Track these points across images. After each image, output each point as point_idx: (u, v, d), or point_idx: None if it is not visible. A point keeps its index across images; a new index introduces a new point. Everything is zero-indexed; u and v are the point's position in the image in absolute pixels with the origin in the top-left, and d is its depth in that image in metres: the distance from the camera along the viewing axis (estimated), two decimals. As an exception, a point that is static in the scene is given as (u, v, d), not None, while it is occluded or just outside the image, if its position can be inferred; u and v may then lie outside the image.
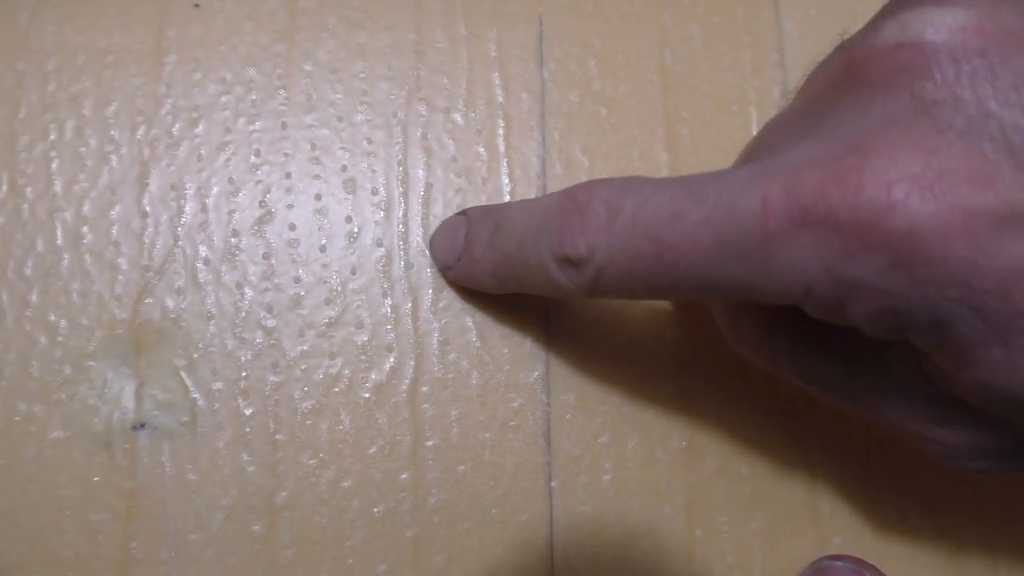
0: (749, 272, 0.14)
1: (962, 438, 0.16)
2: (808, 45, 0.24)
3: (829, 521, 0.21)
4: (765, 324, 0.17)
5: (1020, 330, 0.13)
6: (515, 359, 0.21)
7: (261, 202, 0.22)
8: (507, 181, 0.22)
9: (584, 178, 0.22)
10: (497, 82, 0.23)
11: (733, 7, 0.24)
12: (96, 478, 0.20)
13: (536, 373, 0.21)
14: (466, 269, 0.20)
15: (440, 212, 0.22)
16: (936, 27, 0.14)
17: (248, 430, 0.21)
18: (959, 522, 0.21)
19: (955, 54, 0.14)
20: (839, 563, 0.20)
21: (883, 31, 0.15)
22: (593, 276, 0.16)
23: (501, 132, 0.23)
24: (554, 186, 0.22)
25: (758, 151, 0.17)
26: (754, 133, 0.23)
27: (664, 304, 0.22)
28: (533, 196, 0.22)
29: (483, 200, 0.22)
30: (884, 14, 0.15)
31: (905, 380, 0.16)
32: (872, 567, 0.20)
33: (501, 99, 0.23)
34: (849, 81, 0.15)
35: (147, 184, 0.22)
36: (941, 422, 0.16)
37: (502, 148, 0.23)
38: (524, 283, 0.18)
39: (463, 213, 0.21)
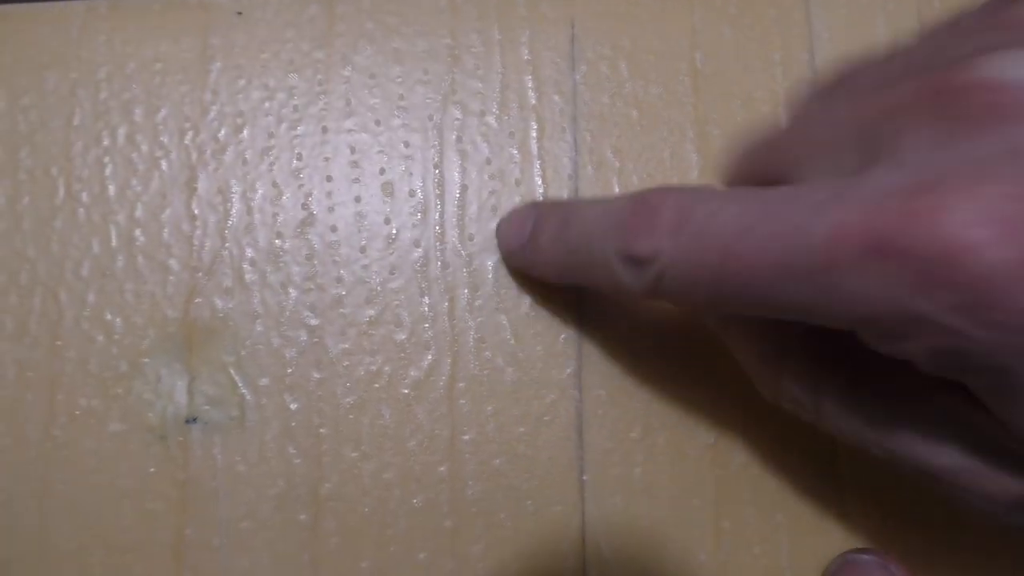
0: (812, 293, 0.14)
1: (1004, 490, 0.16)
2: (838, 45, 0.24)
3: (855, 516, 0.22)
4: (809, 375, 0.17)
5: None
6: (548, 356, 0.22)
7: (304, 205, 0.23)
8: (540, 182, 0.23)
9: (615, 179, 0.23)
10: (530, 85, 0.23)
11: (764, 8, 0.24)
12: (152, 469, 0.21)
13: (569, 370, 0.22)
14: (529, 258, 0.21)
15: (475, 213, 0.23)
16: None
17: (294, 424, 0.22)
18: (985, 522, 0.22)
19: None
20: (866, 556, 0.21)
21: (978, 67, 0.14)
22: (655, 277, 0.16)
23: (534, 134, 0.23)
24: (585, 187, 0.23)
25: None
26: (784, 133, 0.23)
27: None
28: (565, 197, 0.23)
29: (516, 201, 0.23)
30: (974, 50, 0.15)
31: (949, 430, 0.16)
32: (897, 562, 0.21)
33: (534, 101, 0.23)
34: (934, 108, 0.15)
35: (195, 188, 0.23)
36: (983, 473, 0.16)
37: (535, 150, 0.23)
38: (586, 277, 0.19)
39: (534, 205, 0.22)
